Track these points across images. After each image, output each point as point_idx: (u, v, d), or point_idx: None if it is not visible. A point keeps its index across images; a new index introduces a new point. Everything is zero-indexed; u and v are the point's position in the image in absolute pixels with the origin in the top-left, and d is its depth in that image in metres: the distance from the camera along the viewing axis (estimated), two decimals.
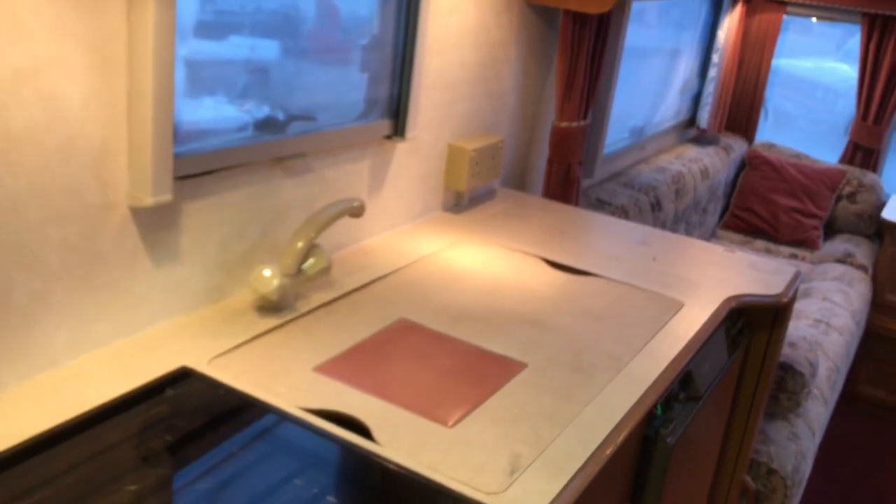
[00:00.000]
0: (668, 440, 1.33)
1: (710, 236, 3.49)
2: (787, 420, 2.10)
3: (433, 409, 1.12)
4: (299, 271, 1.34)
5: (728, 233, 3.56)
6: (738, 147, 3.62)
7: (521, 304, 1.47)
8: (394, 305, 1.41)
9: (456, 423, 1.10)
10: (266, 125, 1.37)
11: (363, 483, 1.02)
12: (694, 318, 1.50)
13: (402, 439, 1.05)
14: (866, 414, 3.31)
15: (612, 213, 2.43)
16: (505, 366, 1.26)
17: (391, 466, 1.00)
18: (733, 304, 1.59)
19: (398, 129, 1.61)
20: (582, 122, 2.11)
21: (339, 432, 1.05)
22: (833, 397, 2.46)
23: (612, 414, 1.17)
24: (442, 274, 1.56)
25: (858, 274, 3.21)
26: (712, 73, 3.33)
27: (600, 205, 2.46)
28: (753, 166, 3.58)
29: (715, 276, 1.69)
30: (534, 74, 2.12)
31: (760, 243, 3.50)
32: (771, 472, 1.96)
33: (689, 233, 3.14)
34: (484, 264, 1.63)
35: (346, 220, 1.59)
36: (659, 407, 1.34)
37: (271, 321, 1.30)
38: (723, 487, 1.89)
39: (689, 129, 3.45)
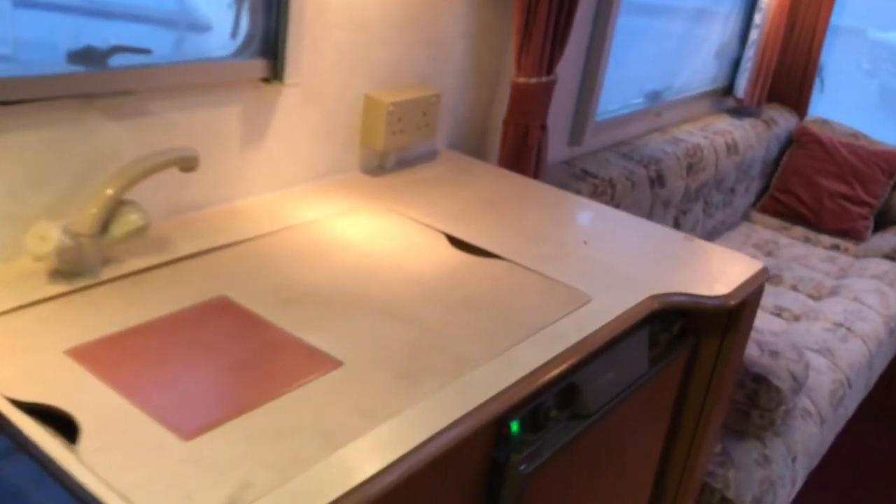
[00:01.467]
0: (522, 468, 1.08)
1: (741, 219, 3.13)
2: (762, 440, 1.80)
3: (178, 415, 0.91)
4: (104, 231, 1.14)
5: (764, 217, 3.19)
6: (785, 122, 3.23)
7: (385, 288, 1.23)
8: (224, 279, 1.19)
9: (196, 434, 0.88)
10: (82, 55, 1.16)
11: (39, 501, 0.81)
12: (596, 317, 1.22)
13: (114, 451, 0.84)
14: None
15: (596, 188, 2.14)
16: (313, 364, 1.03)
17: (71, 485, 0.79)
18: (655, 304, 1.30)
19: (276, 71, 1.38)
20: (544, 79, 1.83)
21: (34, 433, 0.84)
22: (838, 416, 2.12)
23: (412, 434, 0.93)
24: (310, 245, 1.33)
25: None
26: (753, 35, 2.95)
27: (584, 177, 2.17)
28: (801, 144, 3.19)
29: (651, 268, 1.41)
30: (490, 21, 1.84)
31: (799, 230, 3.13)
32: (725, 501, 1.67)
33: (709, 214, 2.80)
34: (370, 237, 1.39)
35: (217, 174, 1.37)
36: (515, 425, 1.08)
37: (57, 288, 1.10)
38: None
39: (725, 99, 3.09)
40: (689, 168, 2.54)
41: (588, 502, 1.34)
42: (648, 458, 1.52)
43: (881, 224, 3.16)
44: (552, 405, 1.15)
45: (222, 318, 1.10)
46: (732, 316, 1.46)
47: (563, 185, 2.07)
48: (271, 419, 0.92)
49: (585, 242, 1.48)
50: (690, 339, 1.46)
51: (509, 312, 1.20)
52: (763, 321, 2.40)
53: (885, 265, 2.83)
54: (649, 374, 1.35)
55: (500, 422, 1.06)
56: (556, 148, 2.27)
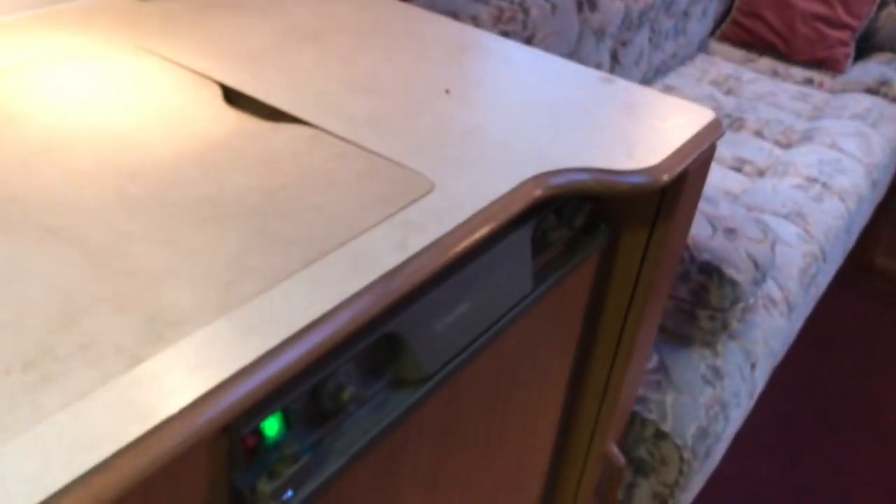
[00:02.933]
0: (287, 497, 0.62)
1: (697, 51, 2.61)
2: (711, 347, 1.37)
3: None
4: None
5: (725, 46, 2.67)
6: None
7: (69, 189, 0.73)
8: None
9: None
10: None
11: None
12: (437, 219, 0.74)
13: None
14: (883, 294, 2.54)
15: (501, 14, 1.60)
16: None
17: None
18: (537, 191, 0.81)
19: None
20: None
21: None
22: (809, 297, 1.70)
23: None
24: None
25: (892, 110, 2.34)
26: None
27: (486, 0, 1.62)
28: None
29: (543, 130, 0.91)
30: None
31: (766, 62, 2.61)
32: (660, 435, 1.25)
33: (656, 45, 2.28)
34: (84, 98, 0.86)
35: None
36: (272, 425, 0.62)
37: None
38: (572, 468, 1.20)
39: None
40: None
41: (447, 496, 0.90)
42: (548, 400, 1.08)
43: (863, 51, 2.66)
44: (350, 377, 0.68)
45: None
46: (667, 195, 0.98)
47: (454, 12, 1.53)
48: None
49: (447, 92, 0.97)
50: (603, 233, 0.99)
51: (285, 221, 0.71)
52: (719, 178, 1.94)
53: (867, 101, 2.35)
54: (536, 295, 0.88)
55: (235, 429, 0.59)
56: None
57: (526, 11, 1.66)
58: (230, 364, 0.57)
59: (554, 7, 1.73)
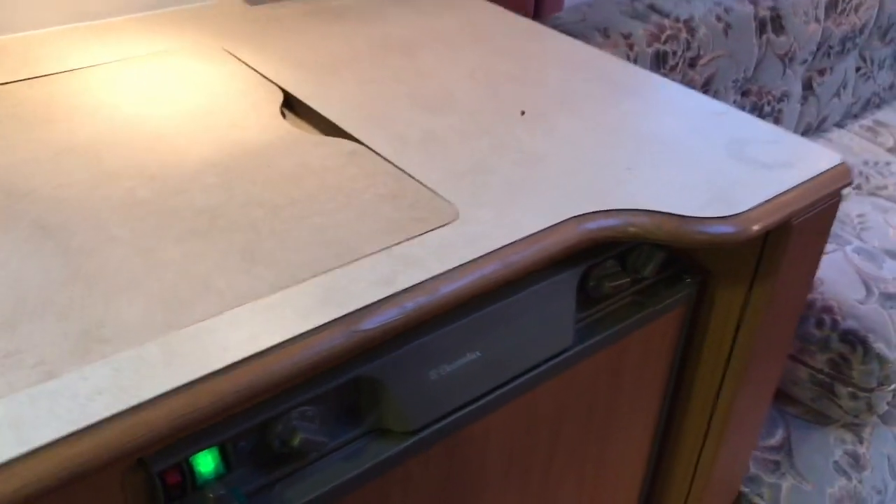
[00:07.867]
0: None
1: None
2: (854, 431, 1.16)
3: None
4: None
5: None
6: None
7: (86, 189, 0.72)
8: None
9: None
10: None
11: None
12: (438, 256, 0.66)
13: None
14: None
15: (659, 32, 1.47)
16: None
17: None
18: (576, 232, 0.70)
19: None
20: None
21: None
22: None
23: None
24: (35, 107, 0.83)
25: None
26: None
27: (647, 14, 1.49)
28: None
29: (615, 164, 0.80)
30: None
31: None
32: None
33: (869, 76, 2.01)
34: (152, 97, 0.87)
35: None
36: (206, 460, 0.57)
37: None
38: None
39: None
40: (832, 6, 1.76)
41: None
42: (617, 475, 0.95)
43: None
44: (311, 421, 0.61)
45: None
46: (769, 249, 0.83)
47: (605, 28, 1.42)
48: None
49: (523, 114, 0.88)
50: (687, 287, 0.85)
51: (277, 241, 0.66)
52: (891, 233, 1.66)
53: None
54: (582, 350, 0.77)
55: (152, 462, 0.55)
56: None
57: (692, 31, 1.51)
58: (142, 391, 0.52)
59: (728, 27, 1.56)
